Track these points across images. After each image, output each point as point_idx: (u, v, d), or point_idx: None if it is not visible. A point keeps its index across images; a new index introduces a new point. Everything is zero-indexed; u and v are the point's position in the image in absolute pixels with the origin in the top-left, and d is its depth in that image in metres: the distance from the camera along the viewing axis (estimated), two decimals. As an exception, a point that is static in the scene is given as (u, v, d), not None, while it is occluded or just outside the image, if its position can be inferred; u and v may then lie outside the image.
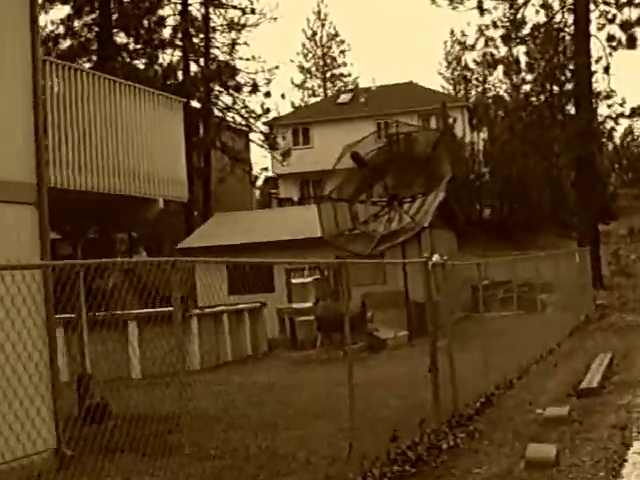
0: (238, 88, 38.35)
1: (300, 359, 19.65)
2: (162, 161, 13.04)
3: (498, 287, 25.88)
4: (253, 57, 39.63)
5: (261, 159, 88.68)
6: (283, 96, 38.65)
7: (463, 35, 47.87)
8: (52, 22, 33.56)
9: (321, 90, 75.06)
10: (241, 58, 39.97)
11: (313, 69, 77.87)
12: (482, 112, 41.79)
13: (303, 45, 75.26)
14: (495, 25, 34.85)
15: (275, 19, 40.23)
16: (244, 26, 40.12)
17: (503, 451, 9.31)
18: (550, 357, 16.93)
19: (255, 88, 38.29)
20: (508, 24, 34.60)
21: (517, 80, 37.42)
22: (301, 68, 76.24)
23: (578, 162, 35.20)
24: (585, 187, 34.74)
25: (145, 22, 33.85)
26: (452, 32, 68.31)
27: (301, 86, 77.85)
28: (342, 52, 75.70)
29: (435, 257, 10.74)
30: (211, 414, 10.27)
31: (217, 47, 40.96)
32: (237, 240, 24.77)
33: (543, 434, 9.85)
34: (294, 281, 21.63)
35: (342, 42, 74.69)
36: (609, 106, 36.74)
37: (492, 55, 35.51)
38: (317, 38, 75.48)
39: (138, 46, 35.38)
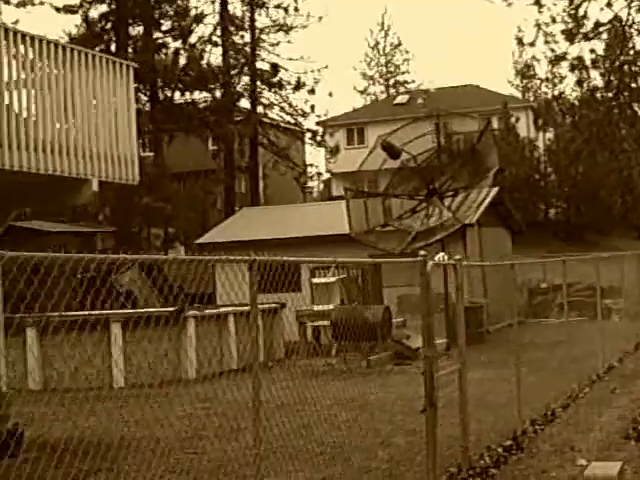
0: (282, 85, 36.45)
1: (316, 369, 16.89)
2: (101, 134, 10.85)
3: (557, 291, 23.34)
4: (302, 57, 37.78)
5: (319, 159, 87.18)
6: (331, 94, 36.52)
7: (520, 31, 44.63)
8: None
9: (384, 96, 73.25)
10: (290, 59, 38.13)
11: (376, 76, 76.52)
12: (546, 112, 38.84)
13: (366, 54, 73.83)
14: (554, 20, 31.97)
15: (321, 18, 37.97)
16: (291, 28, 38.32)
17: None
18: (608, 378, 13.96)
19: (299, 85, 36.28)
20: (569, 19, 31.67)
21: (582, 76, 34.34)
22: (364, 75, 75.02)
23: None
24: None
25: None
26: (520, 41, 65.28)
27: (364, 92, 76.49)
28: (406, 60, 74.22)
29: (439, 256, 8.27)
30: (162, 445, 7.95)
31: (263, 47, 39.19)
32: (260, 235, 22.52)
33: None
34: (315, 280, 19.13)
35: (406, 52, 73.32)
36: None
37: (553, 50, 32.50)
38: (380, 47, 74.28)
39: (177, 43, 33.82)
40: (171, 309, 16.89)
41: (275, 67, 36.82)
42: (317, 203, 28.17)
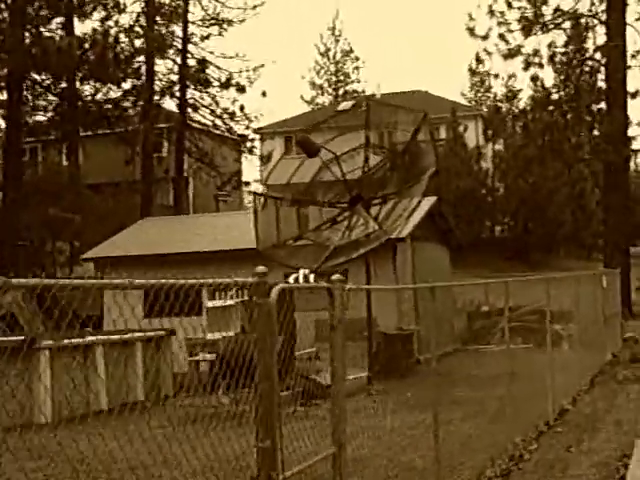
0: (209, 82, 33.08)
1: (203, 411, 13.29)
2: None
3: (501, 314, 20.66)
4: (237, 54, 34.54)
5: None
6: (264, 94, 33.49)
7: (471, 19, 41.12)
8: None
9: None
10: (224, 56, 34.83)
11: (325, 85, 74.23)
12: (496, 116, 35.91)
13: (316, 62, 71.35)
14: (510, 5, 29.12)
15: (255, 7, 34.77)
16: (224, 21, 35.13)
17: None
18: (561, 428, 10.90)
19: (228, 83, 32.96)
20: (527, 4, 28.83)
21: (535, 74, 31.41)
22: (312, 84, 72.62)
23: (607, 170, 29.37)
24: (615, 199, 28.78)
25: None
26: (472, 31, 63.03)
27: (311, 102, 74.09)
28: (356, 68, 72.06)
29: (294, 277, 8.22)
30: None
31: (194, 43, 35.85)
32: (156, 250, 19.20)
33: None
34: (210, 304, 15.77)
35: (357, 59, 71.03)
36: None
37: (507, 42, 29.61)
38: (330, 54, 72.01)
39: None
40: (20, 338, 14.12)
41: (203, 62, 33.44)
42: (229, 213, 24.94)
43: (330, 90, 72.53)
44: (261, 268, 4.51)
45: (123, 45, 29.22)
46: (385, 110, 19.56)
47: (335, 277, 5.35)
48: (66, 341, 13.73)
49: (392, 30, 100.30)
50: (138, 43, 30.27)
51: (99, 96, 30.95)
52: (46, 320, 20.49)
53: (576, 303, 16.08)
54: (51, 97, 30.75)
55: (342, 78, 72.17)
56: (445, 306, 20.05)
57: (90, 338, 14.11)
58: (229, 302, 15.47)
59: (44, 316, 20.35)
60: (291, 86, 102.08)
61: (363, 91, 68.70)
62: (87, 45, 27.38)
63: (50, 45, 25.59)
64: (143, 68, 32.88)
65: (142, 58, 32.50)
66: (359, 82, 71.51)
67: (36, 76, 29.45)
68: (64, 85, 30.31)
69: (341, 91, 71.87)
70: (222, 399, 12.93)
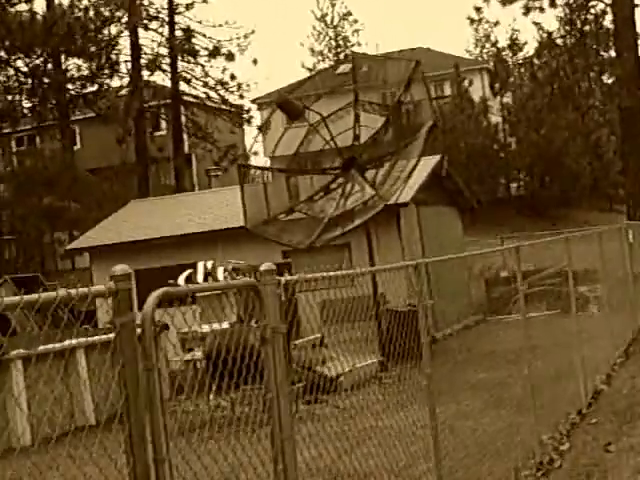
0: (196, 52, 31.60)
1: (201, 417, 11.96)
2: None
3: (524, 279, 19.26)
4: (226, 22, 33.01)
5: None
6: (255, 62, 32.04)
7: None
8: None
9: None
10: (213, 25, 33.30)
11: (325, 51, 72.45)
12: (502, 68, 34.23)
13: (313, 27, 69.57)
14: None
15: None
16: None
17: None
18: (596, 417, 9.33)
19: (217, 51, 31.46)
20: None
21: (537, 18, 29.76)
22: (312, 51, 70.90)
23: (622, 117, 27.74)
24: (633, 146, 27.14)
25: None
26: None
27: (312, 69, 72.38)
28: (356, 31, 70.17)
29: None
30: None
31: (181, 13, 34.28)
32: (143, 235, 17.95)
33: None
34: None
35: (355, 21, 68.99)
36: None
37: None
38: (328, 19, 70.18)
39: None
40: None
41: (188, 31, 31.93)
42: (218, 189, 23.62)
43: (331, 56, 70.95)
44: (120, 268, 2.88)
45: (90, 15, 27.60)
46: (375, 63, 18.08)
47: (264, 267, 3.89)
48: (42, 347, 12.38)
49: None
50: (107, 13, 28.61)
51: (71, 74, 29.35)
52: (40, 320, 19.45)
53: (601, 261, 14.65)
54: (22, 78, 29.20)
55: (342, 42, 70.55)
56: (460, 274, 18.69)
57: (68, 342, 12.75)
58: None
59: (37, 316, 19.28)
60: (291, 53, 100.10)
61: (364, 53, 67.03)
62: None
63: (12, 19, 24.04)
64: (125, 42, 31.45)
65: (115, 31, 30.99)
66: (359, 45, 69.70)
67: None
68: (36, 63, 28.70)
69: (342, 56, 70.28)
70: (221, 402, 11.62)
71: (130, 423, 2.90)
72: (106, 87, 30.21)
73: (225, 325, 13.71)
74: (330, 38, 70.53)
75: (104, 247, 18.00)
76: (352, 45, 70.49)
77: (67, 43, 26.27)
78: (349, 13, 69.30)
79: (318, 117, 16.75)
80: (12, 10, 26.97)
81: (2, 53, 27.56)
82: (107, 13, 28.62)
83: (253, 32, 32.93)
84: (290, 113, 15.82)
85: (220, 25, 33.29)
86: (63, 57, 28.82)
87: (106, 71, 29.42)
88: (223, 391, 11.45)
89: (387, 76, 16.18)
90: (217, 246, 17.06)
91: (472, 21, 56.82)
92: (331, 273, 4.74)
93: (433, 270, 17.43)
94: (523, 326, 9.10)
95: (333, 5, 68.89)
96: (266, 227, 15.11)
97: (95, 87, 29.65)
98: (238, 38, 33.22)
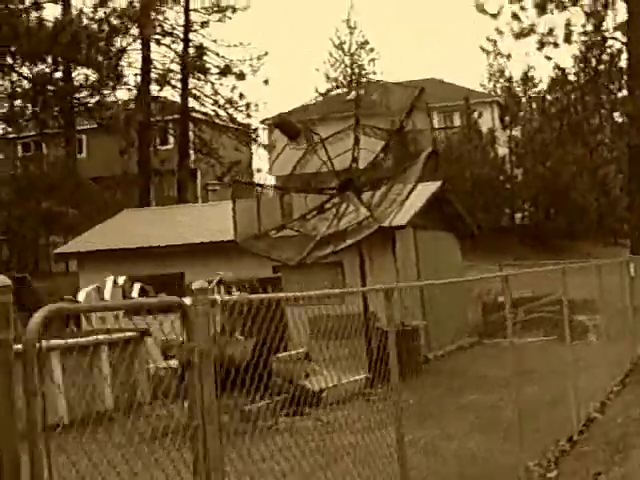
0: (206, 70, 31.52)
1: (174, 425, 11.37)
2: None
3: (519, 305, 19.04)
4: (240, 43, 32.97)
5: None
6: (267, 82, 32.10)
7: None
8: None
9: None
10: (228, 45, 33.26)
11: (340, 77, 72.57)
12: (512, 102, 34.06)
13: (330, 54, 69.81)
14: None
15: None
16: (228, 8, 33.58)
17: None
18: (587, 446, 9.01)
19: (228, 70, 31.36)
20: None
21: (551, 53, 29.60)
22: (327, 77, 71.04)
23: (631, 154, 27.44)
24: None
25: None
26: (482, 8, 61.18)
27: (326, 95, 72.19)
28: (372, 60, 70.27)
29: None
30: None
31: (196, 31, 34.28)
32: (134, 243, 17.72)
33: None
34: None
35: (371, 50, 69.24)
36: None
37: (519, 20, 27.74)
38: (345, 47, 70.40)
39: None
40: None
41: (201, 48, 31.86)
42: (213, 203, 23.42)
43: (345, 83, 71.11)
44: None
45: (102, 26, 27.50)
46: (380, 89, 17.86)
47: (197, 285, 3.50)
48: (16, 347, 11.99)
49: (406, 20, 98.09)
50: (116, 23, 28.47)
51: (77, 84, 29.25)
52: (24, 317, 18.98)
53: (600, 292, 14.40)
54: (25, 83, 29.11)
55: (357, 70, 70.75)
56: (456, 297, 18.39)
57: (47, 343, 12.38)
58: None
59: (19, 312, 18.81)
60: (304, 77, 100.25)
61: (378, 82, 67.17)
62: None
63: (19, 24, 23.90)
64: (137, 55, 31.39)
65: (124, 43, 30.90)
66: (375, 74, 69.84)
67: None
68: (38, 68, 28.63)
69: (355, 83, 70.55)
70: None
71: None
72: (112, 98, 30.10)
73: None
74: (346, 66, 70.86)
75: (91, 253, 17.79)
76: (367, 74, 70.73)
77: (72, 52, 26.07)
78: (366, 42, 69.64)
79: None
80: (24, 17, 26.91)
81: (8, 59, 27.44)
82: (116, 23, 28.41)
83: (266, 54, 32.78)
84: (288, 133, 15.64)
85: (235, 45, 33.30)
86: (72, 66, 28.70)
87: (110, 82, 29.25)
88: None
89: (390, 102, 15.97)
90: (207, 258, 16.80)
91: (486, 52, 56.94)
92: (289, 294, 4.56)
93: (428, 292, 17.20)
94: (511, 351, 8.77)
95: (351, 33, 69.30)
96: (256, 242, 14.85)
97: (99, 97, 29.46)
98: (251, 59, 33.21)
